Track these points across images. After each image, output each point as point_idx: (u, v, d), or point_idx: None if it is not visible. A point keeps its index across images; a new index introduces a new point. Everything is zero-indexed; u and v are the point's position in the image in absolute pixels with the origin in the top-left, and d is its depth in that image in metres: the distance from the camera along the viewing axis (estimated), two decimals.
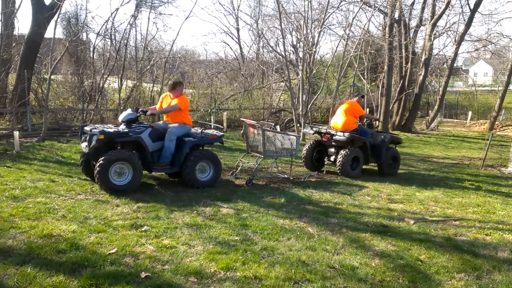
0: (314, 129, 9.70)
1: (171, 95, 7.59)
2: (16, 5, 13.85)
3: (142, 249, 4.47)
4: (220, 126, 9.72)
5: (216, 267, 4.11)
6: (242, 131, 11.45)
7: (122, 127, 7.01)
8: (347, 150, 8.90)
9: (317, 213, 6.15)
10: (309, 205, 6.63)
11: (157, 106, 7.84)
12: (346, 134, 8.92)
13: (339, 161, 8.88)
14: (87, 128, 6.97)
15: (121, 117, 7.12)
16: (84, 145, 7.01)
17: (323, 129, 9.58)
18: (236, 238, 4.92)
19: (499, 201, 7.49)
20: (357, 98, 9.61)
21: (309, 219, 5.81)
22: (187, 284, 3.77)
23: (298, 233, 5.20)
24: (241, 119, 11.15)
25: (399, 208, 6.70)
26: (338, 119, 9.37)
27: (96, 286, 3.62)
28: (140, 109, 7.34)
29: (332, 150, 9.33)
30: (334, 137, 9.11)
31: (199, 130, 7.75)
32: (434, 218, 6.20)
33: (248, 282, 3.84)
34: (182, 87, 7.77)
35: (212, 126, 9.80)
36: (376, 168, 9.77)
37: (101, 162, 6.46)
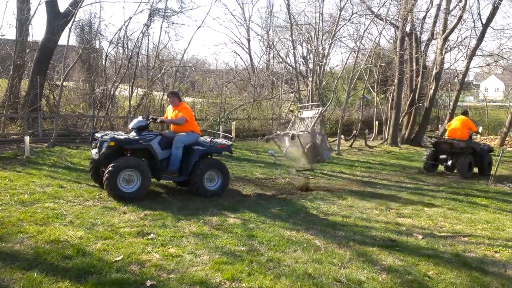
0: (434, 139, 12.05)
1: (170, 106, 7.69)
2: (31, 12, 14.08)
3: (148, 257, 4.47)
4: (229, 136, 9.72)
5: (221, 277, 4.09)
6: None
7: (132, 134, 7.06)
8: (465, 155, 11.14)
9: (324, 225, 6.11)
10: (316, 217, 6.60)
11: (164, 116, 7.93)
12: (464, 143, 11.14)
13: (459, 165, 11.18)
14: (97, 135, 7.02)
15: (131, 124, 7.18)
16: (94, 151, 7.06)
17: (443, 139, 11.92)
18: (242, 249, 4.90)
19: (509, 218, 7.38)
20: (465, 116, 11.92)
21: (316, 231, 5.78)
22: None
23: (305, 245, 5.16)
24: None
25: (407, 223, 6.64)
26: (455, 132, 11.67)
27: None
28: (150, 117, 7.41)
29: (444, 156, 11.48)
30: (454, 145, 11.18)
31: (208, 139, 7.78)
32: (443, 234, 6.12)
33: None
34: (176, 97, 7.69)
35: (221, 135, 9.82)
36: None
37: (110, 169, 6.50)
